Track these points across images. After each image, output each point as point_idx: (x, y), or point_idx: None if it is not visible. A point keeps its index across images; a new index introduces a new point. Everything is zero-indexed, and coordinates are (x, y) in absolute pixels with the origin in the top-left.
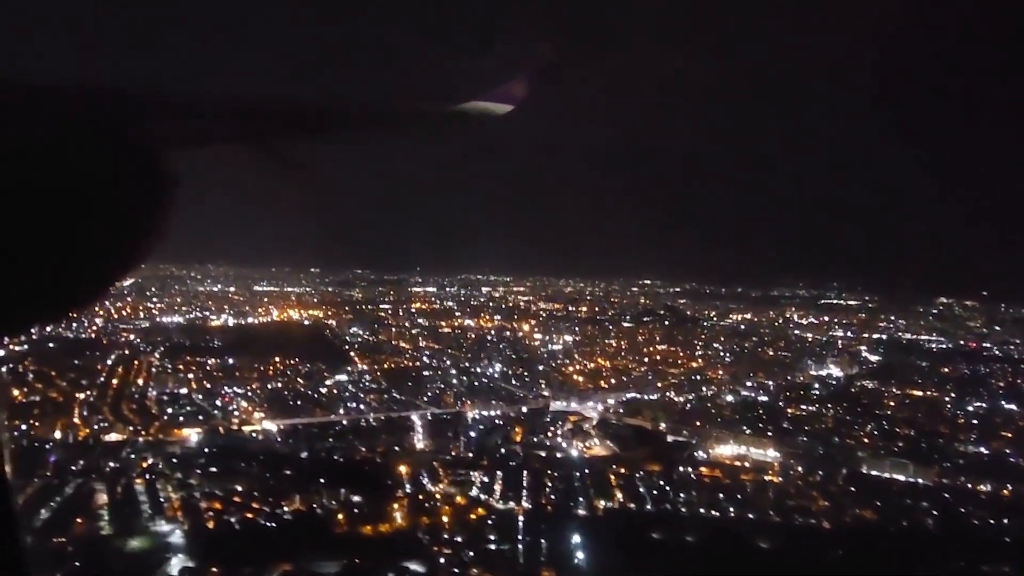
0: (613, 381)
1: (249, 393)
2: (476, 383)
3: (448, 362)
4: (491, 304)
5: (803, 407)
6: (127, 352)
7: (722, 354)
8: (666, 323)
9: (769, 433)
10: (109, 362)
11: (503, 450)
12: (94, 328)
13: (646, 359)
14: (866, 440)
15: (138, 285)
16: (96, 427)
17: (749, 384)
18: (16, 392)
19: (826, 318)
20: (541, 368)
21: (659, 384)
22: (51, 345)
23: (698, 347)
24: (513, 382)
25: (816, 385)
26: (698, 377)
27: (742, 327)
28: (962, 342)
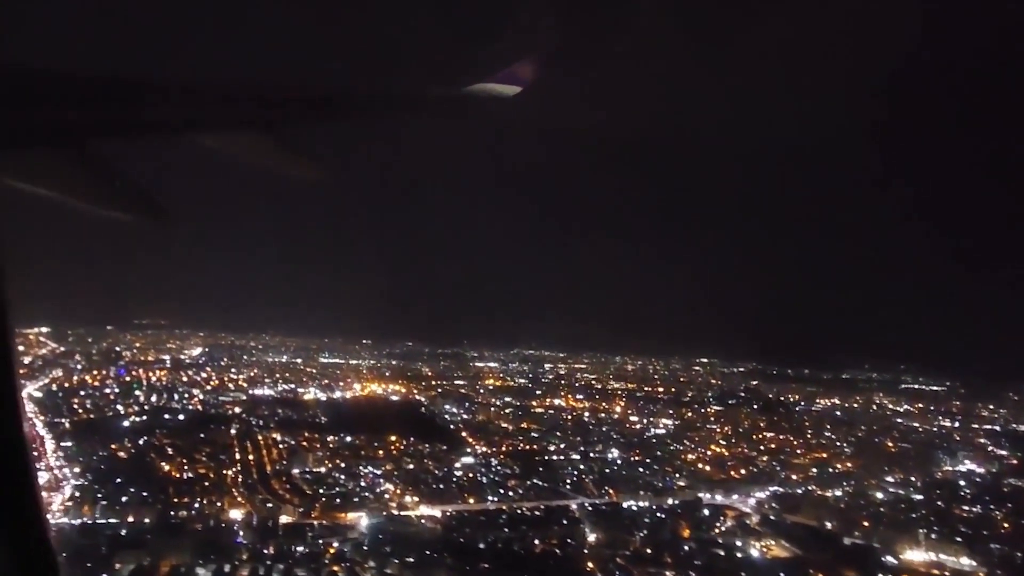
0: (743, 471)
1: (388, 474)
2: (606, 470)
3: (563, 445)
4: (563, 382)
5: (966, 508)
6: (243, 427)
7: (839, 444)
8: (755, 407)
9: (957, 538)
10: (233, 436)
11: (684, 547)
12: (197, 400)
13: (761, 447)
14: None
15: (210, 355)
16: (264, 507)
17: (891, 480)
18: (167, 466)
19: (920, 405)
20: (659, 454)
21: (794, 477)
22: (167, 416)
23: (808, 436)
24: (641, 469)
25: (962, 482)
26: (830, 470)
27: (837, 413)
28: None
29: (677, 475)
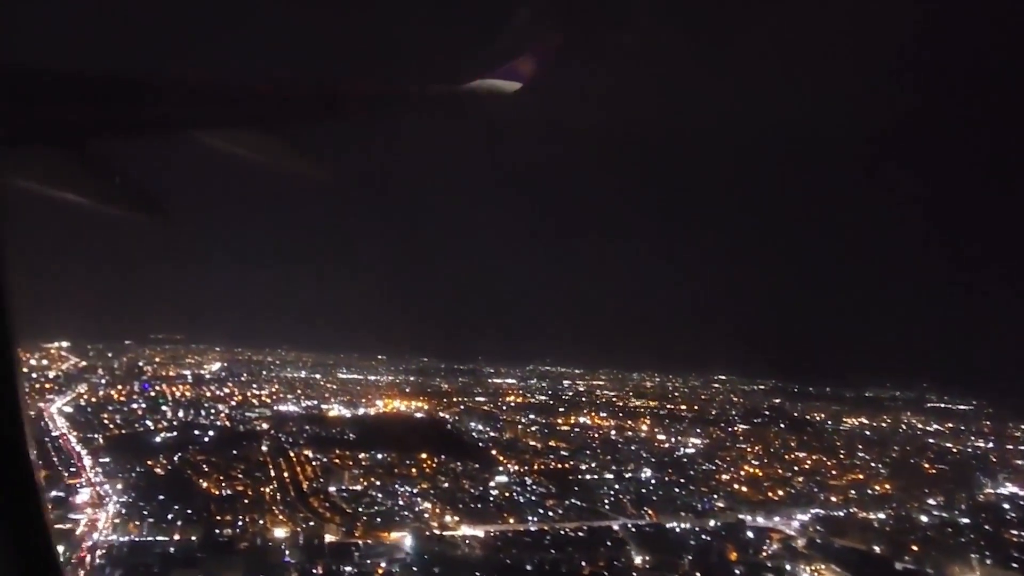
0: (780, 492)
1: (424, 493)
2: (642, 490)
3: (594, 464)
4: (584, 400)
5: (1015, 532)
6: (273, 443)
7: (874, 465)
8: (782, 425)
9: (1012, 564)
10: (265, 452)
11: (733, 570)
12: (224, 416)
13: (794, 467)
14: None
15: (230, 370)
16: (307, 526)
17: (933, 502)
18: (205, 483)
19: (950, 424)
20: (692, 474)
21: (834, 499)
22: (196, 432)
23: (841, 456)
24: (676, 489)
25: (1007, 506)
26: (869, 492)
27: (867, 433)
28: None
29: (714, 496)
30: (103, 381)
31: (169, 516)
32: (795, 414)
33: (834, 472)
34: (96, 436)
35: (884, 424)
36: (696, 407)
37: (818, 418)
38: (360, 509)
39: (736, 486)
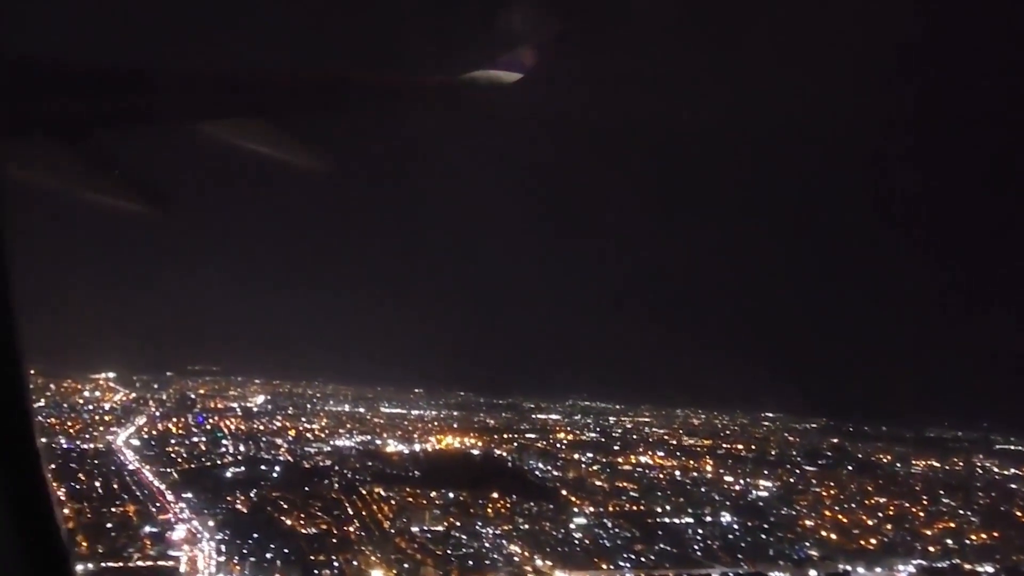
0: (873, 541)
1: (507, 535)
2: (728, 535)
3: (668, 507)
4: (635, 437)
5: None
6: (341, 480)
7: (962, 512)
8: (850, 468)
9: None
10: (336, 490)
11: None
12: (284, 450)
13: (879, 513)
14: None
15: (275, 403)
16: (402, 567)
17: None
18: (289, 520)
19: None
20: (774, 520)
21: (931, 549)
22: (263, 468)
23: (925, 502)
24: (763, 536)
25: None
26: (967, 541)
27: (941, 476)
28: None
29: (805, 543)
30: (157, 413)
31: (267, 555)
32: (859, 455)
33: (922, 519)
34: (169, 470)
35: (957, 468)
36: (753, 447)
37: (884, 460)
38: (449, 551)
39: (824, 533)
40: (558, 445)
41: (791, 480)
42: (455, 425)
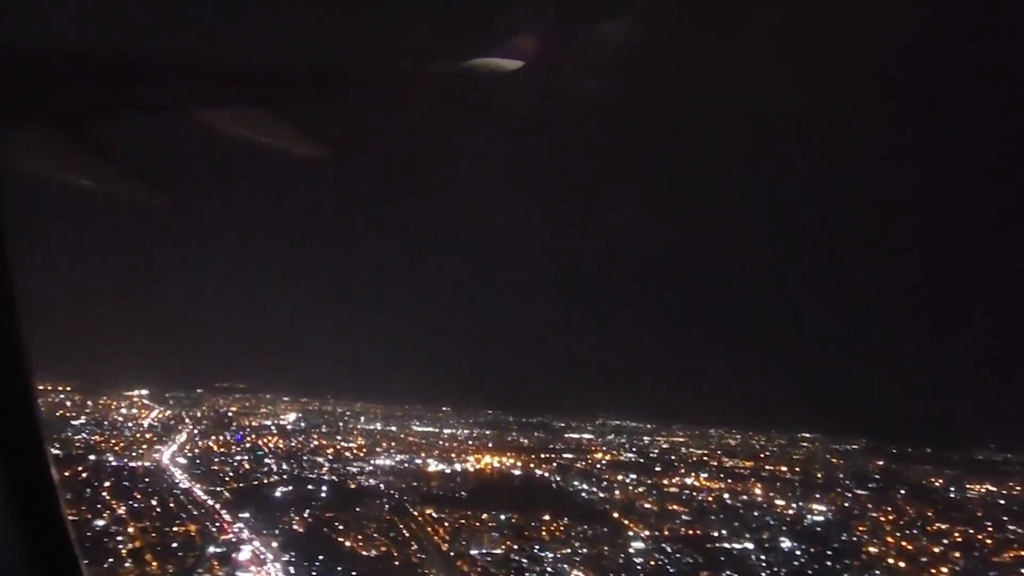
0: (944, 569)
1: (567, 559)
2: (793, 562)
3: (725, 532)
4: (674, 458)
5: None
6: (389, 501)
7: None
8: (903, 492)
9: None
10: (387, 511)
11: None
12: (327, 469)
13: (943, 540)
14: None
15: (307, 421)
16: None
17: None
18: (348, 542)
19: None
20: (837, 547)
21: None
22: (310, 487)
23: (989, 528)
24: (830, 563)
25: None
26: None
27: (1002, 501)
28: None
29: (875, 572)
30: (196, 431)
31: None
32: (910, 478)
33: (991, 547)
34: (219, 489)
35: (1015, 492)
36: (798, 469)
37: (937, 484)
38: (516, 575)
39: (891, 560)
40: (597, 466)
41: (845, 504)
42: (489, 444)
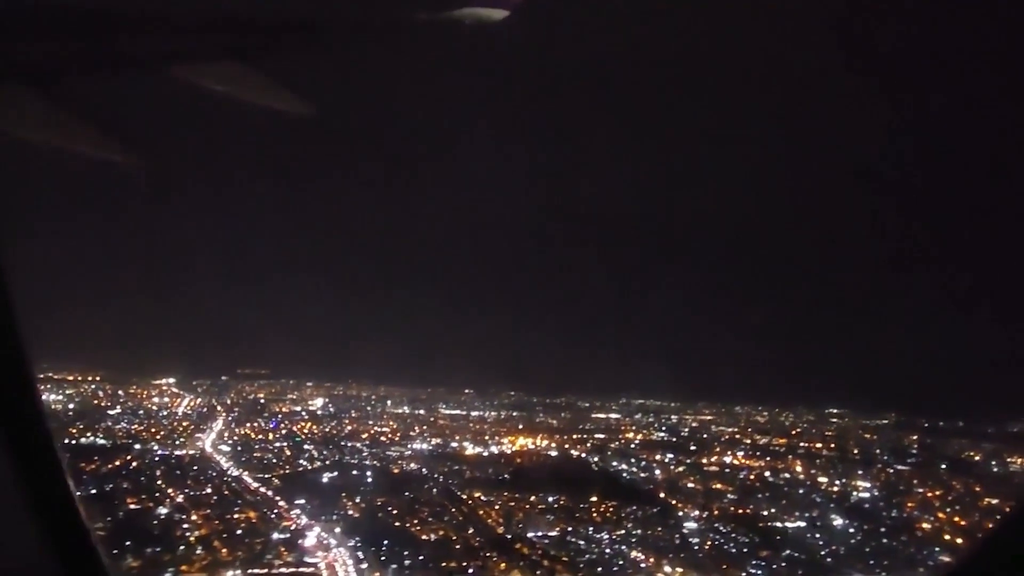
0: None
1: (623, 539)
2: (850, 540)
3: (774, 510)
4: (706, 436)
5: None
6: (435, 485)
7: None
8: (944, 467)
9: None
10: (436, 495)
11: None
12: (367, 454)
13: (997, 516)
14: None
15: (336, 406)
16: (536, 575)
17: None
18: (407, 526)
19: None
20: (890, 524)
21: None
22: (355, 472)
23: None
24: (886, 541)
25: None
26: None
27: None
28: None
29: (935, 548)
30: (231, 418)
31: (406, 563)
32: (948, 453)
33: None
34: (268, 476)
35: None
36: (833, 445)
37: (977, 458)
38: (576, 557)
39: (948, 537)
40: (631, 446)
41: (888, 480)
42: (519, 426)
